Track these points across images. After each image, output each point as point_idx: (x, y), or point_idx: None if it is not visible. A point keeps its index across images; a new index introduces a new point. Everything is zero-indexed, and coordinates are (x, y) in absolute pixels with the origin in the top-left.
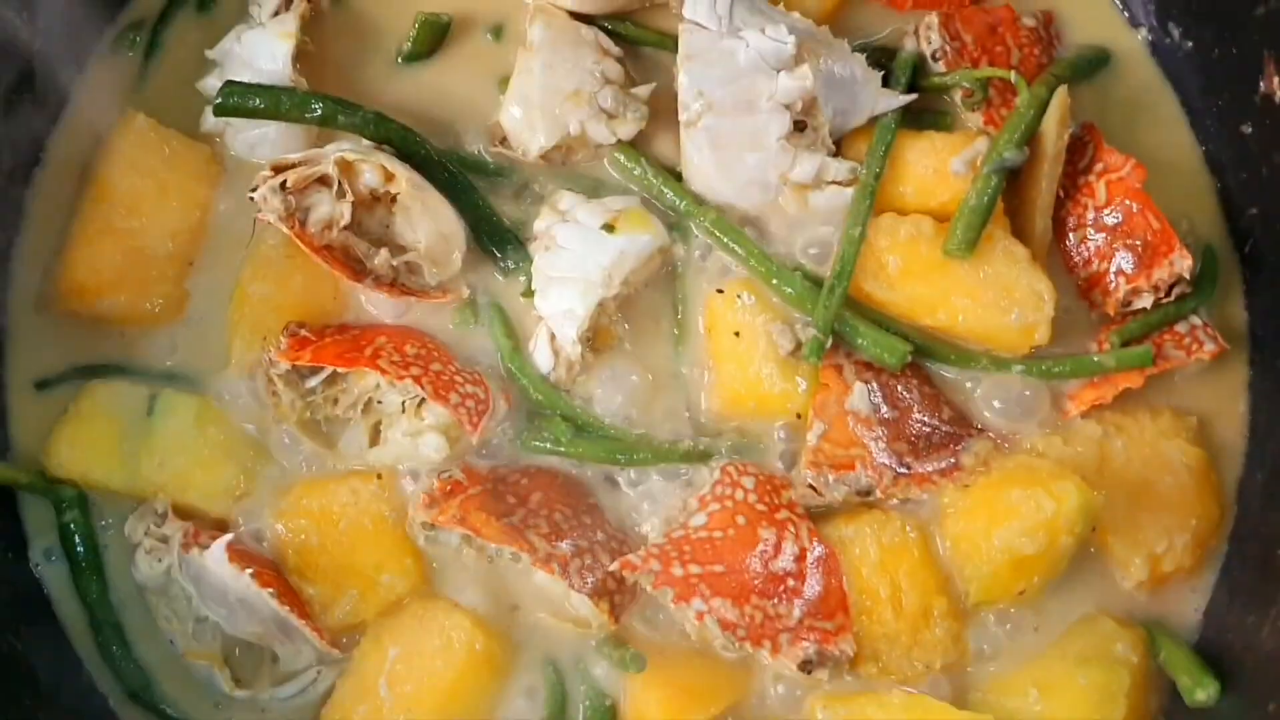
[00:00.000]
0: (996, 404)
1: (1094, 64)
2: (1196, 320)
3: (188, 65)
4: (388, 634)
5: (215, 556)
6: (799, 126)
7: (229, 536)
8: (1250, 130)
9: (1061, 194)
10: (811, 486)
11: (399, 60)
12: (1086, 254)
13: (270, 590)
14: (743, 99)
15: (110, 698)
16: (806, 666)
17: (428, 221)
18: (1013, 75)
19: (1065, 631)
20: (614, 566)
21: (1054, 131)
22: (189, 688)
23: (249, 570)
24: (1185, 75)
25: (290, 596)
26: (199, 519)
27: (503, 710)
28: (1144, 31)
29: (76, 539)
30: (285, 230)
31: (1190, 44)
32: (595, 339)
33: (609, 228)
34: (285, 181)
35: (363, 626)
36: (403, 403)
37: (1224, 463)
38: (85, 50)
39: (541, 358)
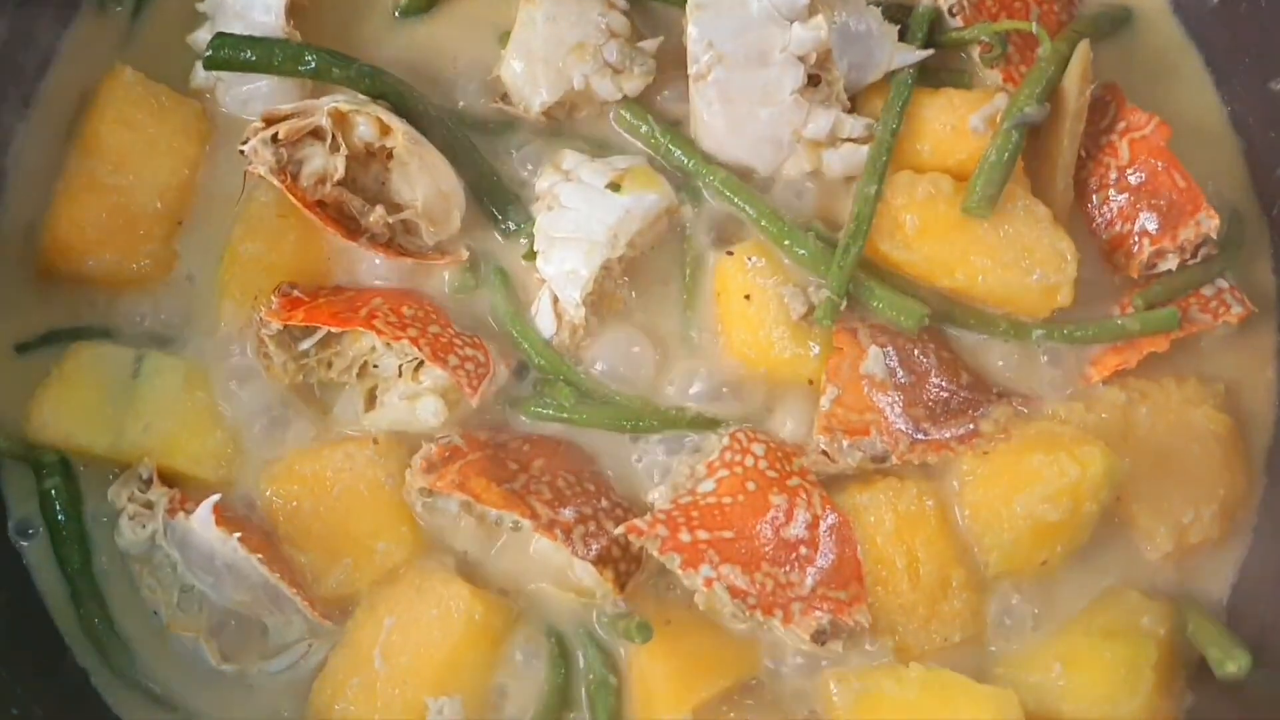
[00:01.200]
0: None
1: (1115, 22)
2: (1223, 283)
3: (178, 19)
4: (383, 604)
5: (201, 518)
6: (813, 81)
7: (216, 497)
8: (1279, 88)
9: (1083, 154)
10: (824, 452)
11: (396, 14)
12: (1109, 215)
13: (258, 556)
14: (755, 51)
15: (92, 674)
16: (820, 637)
17: (425, 179)
18: (1034, 26)
19: (1089, 604)
20: (619, 531)
21: (1075, 88)
22: (174, 663)
23: (237, 534)
24: (1210, 32)
25: (280, 564)
26: (186, 485)
27: (502, 683)
28: None
29: (58, 506)
30: (276, 183)
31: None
32: (600, 303)
33: (614, 186)
34: (277, 134)
35: (355, 598)
36: (399, 366)
37: (1252, 431)
38: (72, 2)
39: (544, 322)
